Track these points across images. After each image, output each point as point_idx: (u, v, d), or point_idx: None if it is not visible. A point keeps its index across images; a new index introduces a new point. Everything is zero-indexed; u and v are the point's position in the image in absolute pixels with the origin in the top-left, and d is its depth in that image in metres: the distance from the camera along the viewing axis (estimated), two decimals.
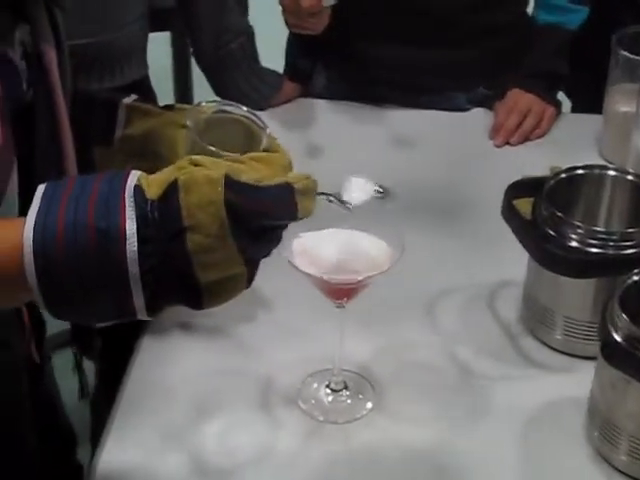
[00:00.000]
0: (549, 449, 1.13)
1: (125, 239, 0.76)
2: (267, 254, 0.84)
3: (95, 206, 0.77)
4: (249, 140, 1.04)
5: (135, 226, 0.76)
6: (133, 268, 0.76)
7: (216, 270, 0.79)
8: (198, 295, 0.81)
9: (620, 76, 1.65)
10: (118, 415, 1.16)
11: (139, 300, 0.78)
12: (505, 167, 1.61)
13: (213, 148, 0.98)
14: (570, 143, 1.73)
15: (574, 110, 2.01)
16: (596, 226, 1.24)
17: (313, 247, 1.07)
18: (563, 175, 1.26)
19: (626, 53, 1.61)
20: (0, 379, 1.15)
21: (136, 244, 0.76)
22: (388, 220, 1.09)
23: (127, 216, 0.76)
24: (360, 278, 1.04)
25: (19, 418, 1.24)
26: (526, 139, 1.76)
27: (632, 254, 1.16)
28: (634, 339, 1.02)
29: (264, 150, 0.99)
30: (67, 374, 1.81)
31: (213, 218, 0.78)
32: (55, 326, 2.14)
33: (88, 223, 0.76)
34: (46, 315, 1.52)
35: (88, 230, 0.76)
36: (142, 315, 0.80)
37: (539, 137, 1.78)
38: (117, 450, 1.12)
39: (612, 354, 1.05)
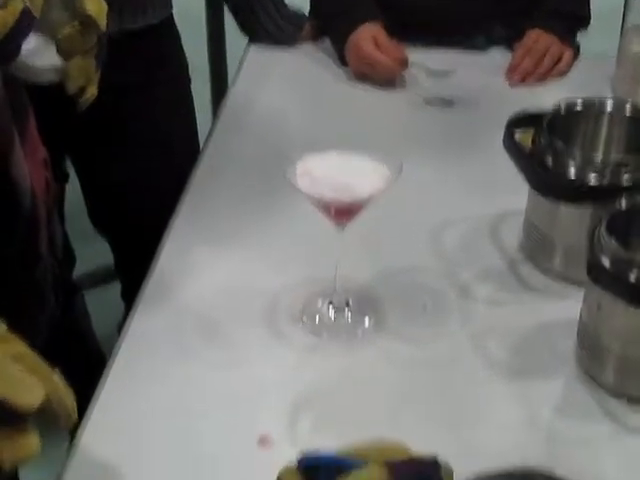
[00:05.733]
0: (540, 369, 1.17)
1: None
2: None
3: None
4: None
5: None
6: None
7: None
8: None
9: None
10: (130, 330, 1.23)
11: None
12: (518, 106, 1.64)
13: None
14: (584, 84, 1.76)
15: None
16: (594, 156, 1.28)
17: (315, 169, 1.12)
18: (563, 108, 1.30)
19: None
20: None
21: None
22: (389, 146, 1.14)
23: None
24: (358, 198, 1.09)
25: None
26: (542, 80, 1.79)
27: (626, 182, 1.20)
28: (619, 261, 1.07)
29: None
30: (101, 311, 1.90)
31: None
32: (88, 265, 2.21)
33: None
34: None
35: None
36: None
37: (556, 78, 1.80)
38: (129, 364, 1.18)
39: (598, 276, 1.09)
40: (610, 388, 1.13)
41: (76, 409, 0.80)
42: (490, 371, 1.17)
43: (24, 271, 1.21)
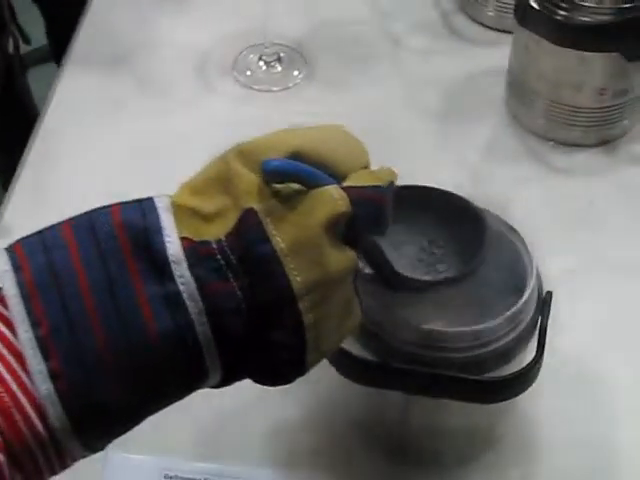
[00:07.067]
0: (470, 115, 1.18)
1: None
2: None
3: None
4: None
5: None
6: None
7: None
8: None
9: None
10: (60, 87, 1.22)
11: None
12: None
13: None
14: None
15: None
16: None
17: None
18: None
19: None
20: None
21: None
22: None
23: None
24: None
25: None
26: None
27: None
28: (546, 1, 1.06)
29: None
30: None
31: None
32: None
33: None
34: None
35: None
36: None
37: None
38: (59, 121, 1.17)
39: (526, 16, 1.09)
40: (537, 132, 1.15)
41: None
42: (420, 116, 1.17)
43: None
